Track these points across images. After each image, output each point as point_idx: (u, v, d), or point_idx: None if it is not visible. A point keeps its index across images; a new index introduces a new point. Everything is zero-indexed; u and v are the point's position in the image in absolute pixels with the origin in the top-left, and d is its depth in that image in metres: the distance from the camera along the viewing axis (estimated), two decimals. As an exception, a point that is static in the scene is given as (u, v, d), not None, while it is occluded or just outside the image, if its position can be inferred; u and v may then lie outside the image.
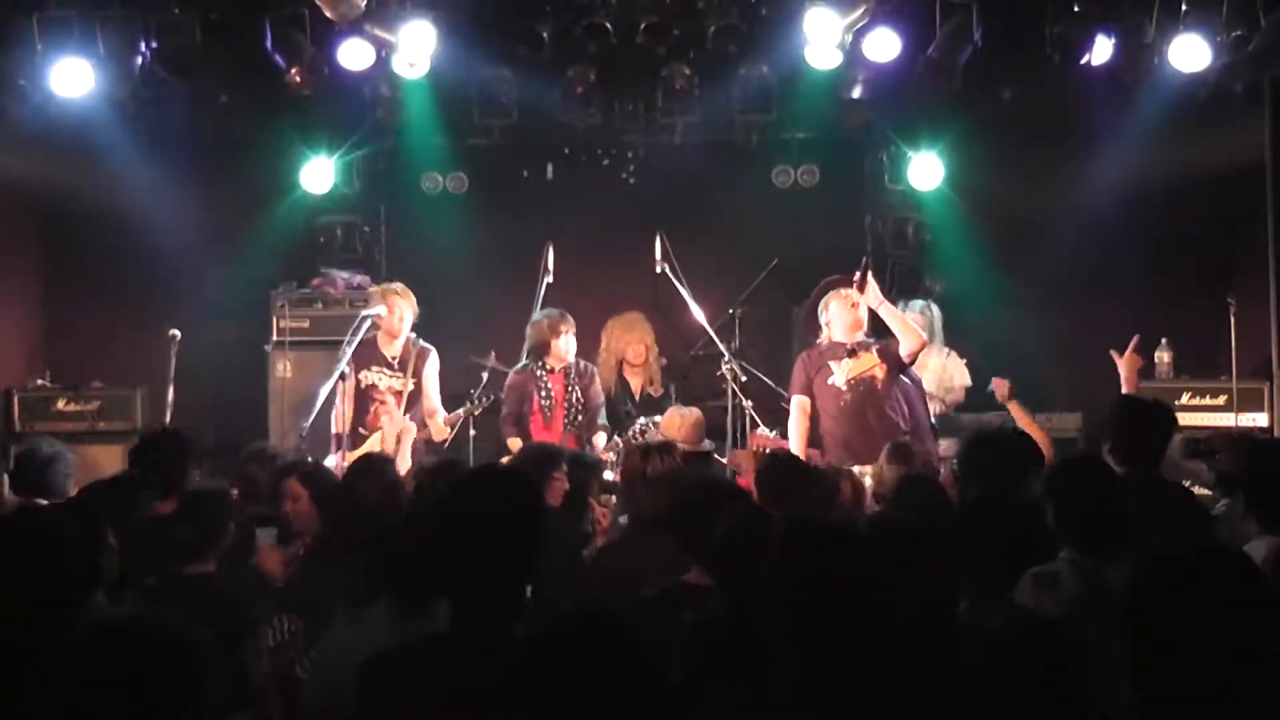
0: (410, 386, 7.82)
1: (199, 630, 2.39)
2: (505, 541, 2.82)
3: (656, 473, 5.19)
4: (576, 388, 8.19)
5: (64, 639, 2.38)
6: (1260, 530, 4.04)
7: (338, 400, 7.56)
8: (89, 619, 2.53)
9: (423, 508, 4.62)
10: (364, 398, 7.78)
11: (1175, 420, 5.33)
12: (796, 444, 7.32)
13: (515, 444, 7.88)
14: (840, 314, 7.43)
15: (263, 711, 4.10)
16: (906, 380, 7.70)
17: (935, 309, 8.98)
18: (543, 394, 8.10)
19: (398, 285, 8.04)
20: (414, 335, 7.97)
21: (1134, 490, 4.58)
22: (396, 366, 7.88)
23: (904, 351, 7.30)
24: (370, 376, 7.81)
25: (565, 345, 8.10)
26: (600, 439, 8.07)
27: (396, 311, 7.87)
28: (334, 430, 7.63)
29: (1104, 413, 5.33)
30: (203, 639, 2.38)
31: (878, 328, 7.51)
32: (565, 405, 8.15)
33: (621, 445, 7.76)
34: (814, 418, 7.40)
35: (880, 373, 7.29)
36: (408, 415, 7.80)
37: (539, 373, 8.12)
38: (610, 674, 2.46)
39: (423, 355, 7.93)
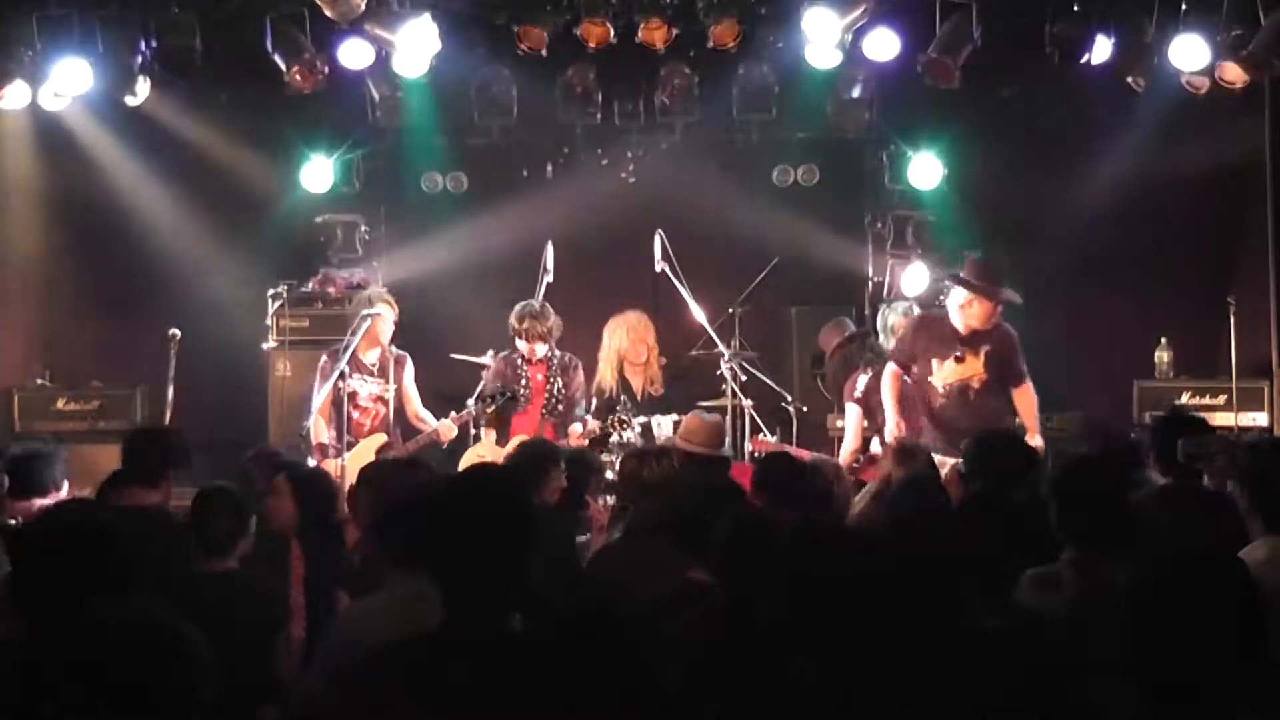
0: (391, 393, 7.88)
1: (193, 629, 2.39)
2: (496, 540, 2.82)
3: (654, 477, 5.18)
4: (558, 379, 8.25)
5: (63, 636, 2.37)
6: (1264, 530, 4.03)
7: (315, 411, 7.60)
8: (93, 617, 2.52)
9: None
10: (344, 406, 7.78)
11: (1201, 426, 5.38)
12: (891, 410, 7.39)
13: (489, 435, 7.95)
14: (976, 312, 7.33)
15: (289, 706, 4.10)
16: (907, 380, 7.70)
17: (916, 310, 8.97)
18: (522, 382, 8.15)
19: (386, 294, 8.08)
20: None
21: (1170, 501, 4.61)
22: (377, 373, 7.94)
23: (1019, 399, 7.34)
24: (351, 384, 7.83)
25: (528, 350, 8.15)
26: (576, 428, 8.09)
27: (385, 323, 7.96)
28: (315, 440, 7.65)
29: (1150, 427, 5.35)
30: (198, 639, 2.38)
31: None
32: (545, 395, 8.21)
33: (597, 431, 7.90)
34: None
35: (977, 382, 7.33)
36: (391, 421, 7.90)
37: (519, 361, 8.18)
38: (607, 673, 2.46)
39: (400, 361, 8.04)
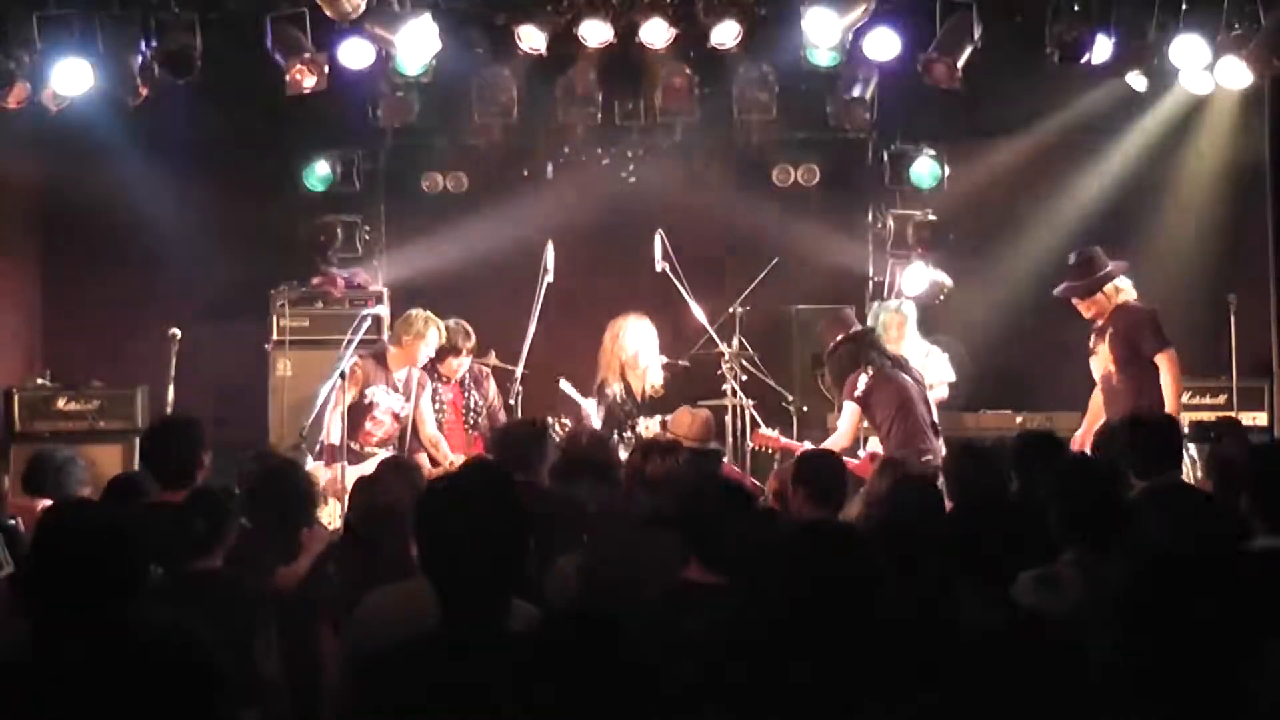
0: (408, 410, 7.86)
1: (212, 634, 2.39)
2: (492, 542, 2.81)
3: (656, 472, 5.17)
4: (473, 392, 8.37)
5: (90, 638, 2.37)
6: (1265, 531, 4.02)
7: (330, 412, 7.59)
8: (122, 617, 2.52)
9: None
10: (361, 412, 7.77)
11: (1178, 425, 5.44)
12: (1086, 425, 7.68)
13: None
14: (1084, 308, 7.70)
15: (273, 707, 4.10)
16: (906, 378, 7.70)
17: (908, 305, 8.99)
18: (436, 405, 8.18)
19: (440, 323, 8.03)
20: None
21: (1155, 501, 4.62)
22: (400, 389, 7.92)
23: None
24: (374, 394, 7.83)
25: (459, 364, 8.26)
26: None
27: (428, 346, 7.93)
28: (327, 441, 7.63)
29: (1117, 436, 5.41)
30: (216, 644, 2.38)
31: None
32: (463, 410, 8.31)
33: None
34: None
35: (1113, 366, 7.53)
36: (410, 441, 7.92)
37: (432, 382, 8.23)
38: (603, 674, 2.46)
39: (421, 382, 8.01)
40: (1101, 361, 7.59)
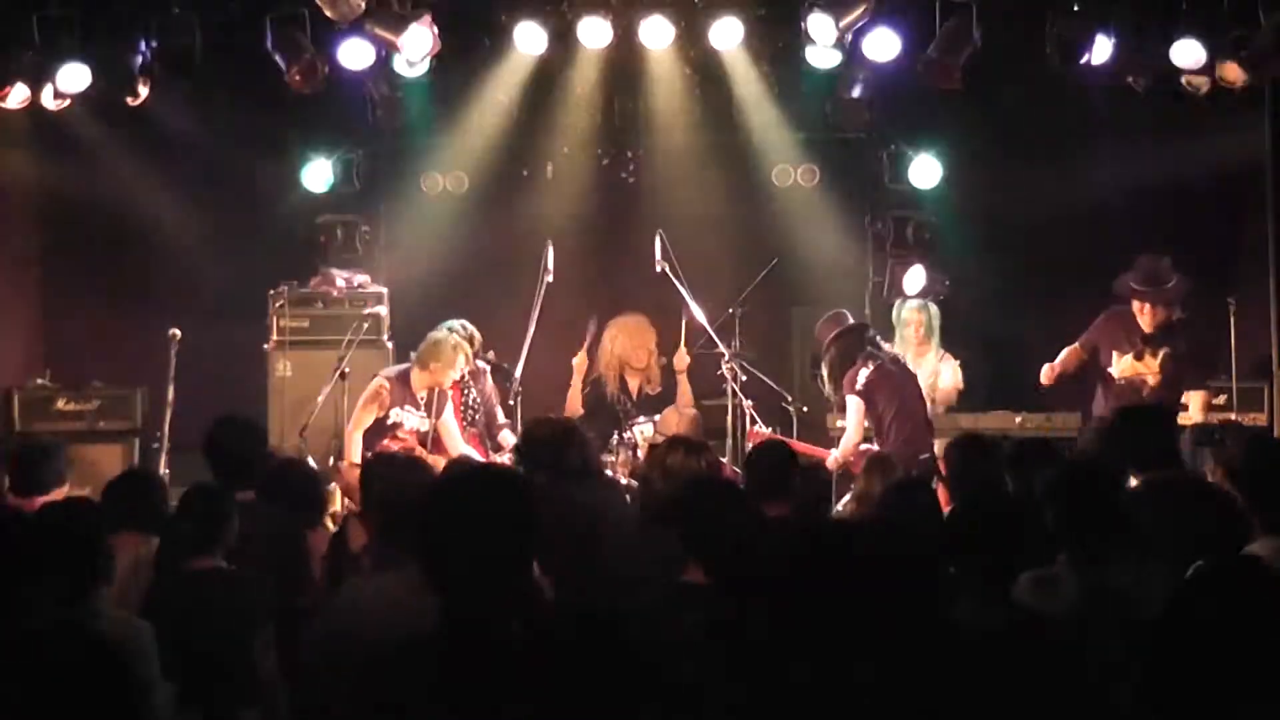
0: (428, 425, 7.84)
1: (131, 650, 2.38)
2: (495, 541, 2.80)
3: (673, 467, 5.16)
4: (472, 389, 8.30)
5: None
6: (1264, 530, 4.01)
7: (351, 433, 7.64)
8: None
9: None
10: (384, 430, 7.76)
11: (1172, 415, 5.44)
12: (1045, 376, 7.90)
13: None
14: (1149, 316, 7.73)
15: (272, 707, 4.11)
16: (895, 368, 7.69)
17: (933, 308, 8.98)
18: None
19: (466, 347, 7.96)
20: None
21: (1155, 495, 4.61)
22: (422, 407, 7.90)
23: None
24: (399, 415, 7.81)
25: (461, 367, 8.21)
26: (506, 436, 8.09)
27: (455, 372, 7.88)
28: (348, 460, 7.55)
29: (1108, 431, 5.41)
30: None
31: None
32: (461, 408, 8.24)
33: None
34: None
35: (1152, 380, 7.62)
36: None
37: None
38: (603, 675, 2.46)
39: (442, 398, 7.94)
40: (1140, 369, 7.67)
